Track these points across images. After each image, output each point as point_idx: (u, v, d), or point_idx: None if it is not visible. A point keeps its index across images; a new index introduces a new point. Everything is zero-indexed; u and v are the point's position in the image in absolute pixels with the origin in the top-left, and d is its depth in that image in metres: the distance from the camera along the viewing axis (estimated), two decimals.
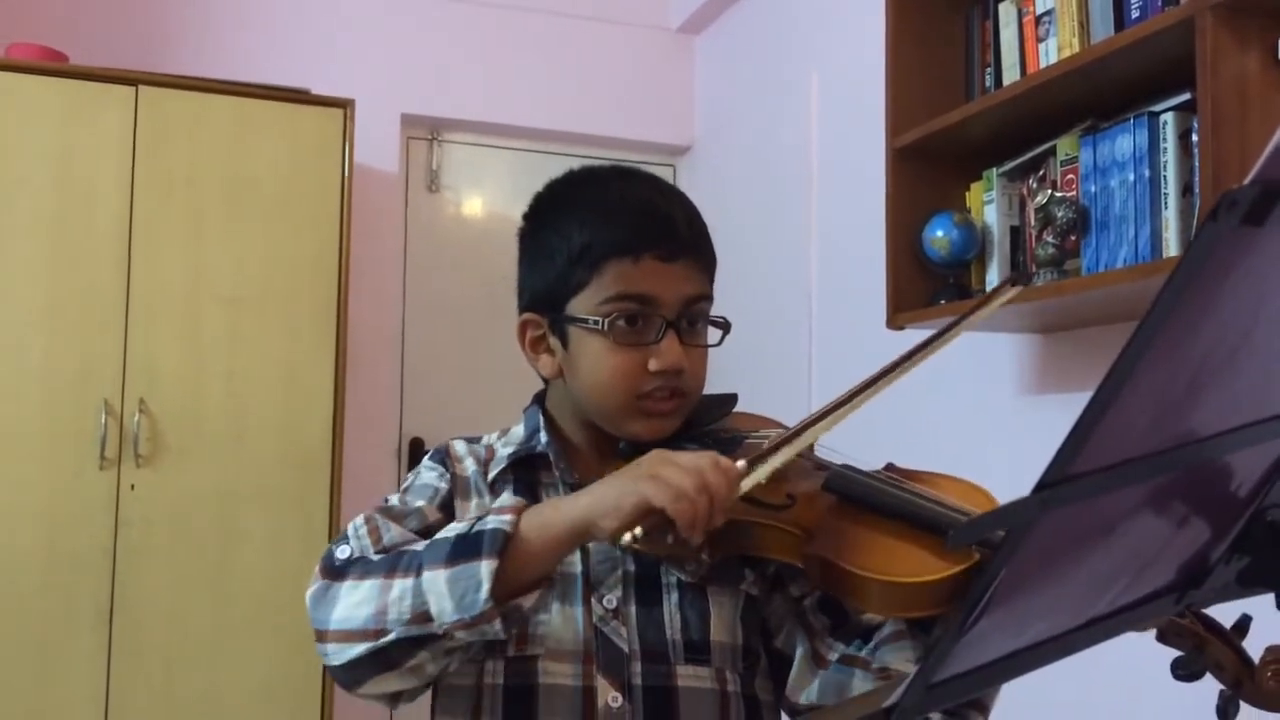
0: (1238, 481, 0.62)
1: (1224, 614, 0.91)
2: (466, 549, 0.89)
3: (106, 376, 2.77)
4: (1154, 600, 0.68)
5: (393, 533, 0.99)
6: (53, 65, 2.83)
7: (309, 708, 2.86)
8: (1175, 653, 0.90)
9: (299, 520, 2.88)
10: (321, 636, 0.94)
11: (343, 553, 0.98)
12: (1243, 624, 0.90)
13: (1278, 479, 0.64)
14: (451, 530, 0.93)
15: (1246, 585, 0.67)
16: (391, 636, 0.90)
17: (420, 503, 1.06)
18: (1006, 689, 0.92)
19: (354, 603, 0.92)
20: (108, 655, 2.73)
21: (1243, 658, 0.87)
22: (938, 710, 0.83)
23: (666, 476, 0.88)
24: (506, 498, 0.98)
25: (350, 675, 0.94)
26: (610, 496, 0.90)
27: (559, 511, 0.92)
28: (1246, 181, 0.41)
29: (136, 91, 2.83)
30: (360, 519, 1.02)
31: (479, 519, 0.93)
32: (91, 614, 2.72)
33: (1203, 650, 0.87)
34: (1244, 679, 0.86)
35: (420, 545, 0.94)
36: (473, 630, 0.89)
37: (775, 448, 0.94)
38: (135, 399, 2.78)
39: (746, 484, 0.92)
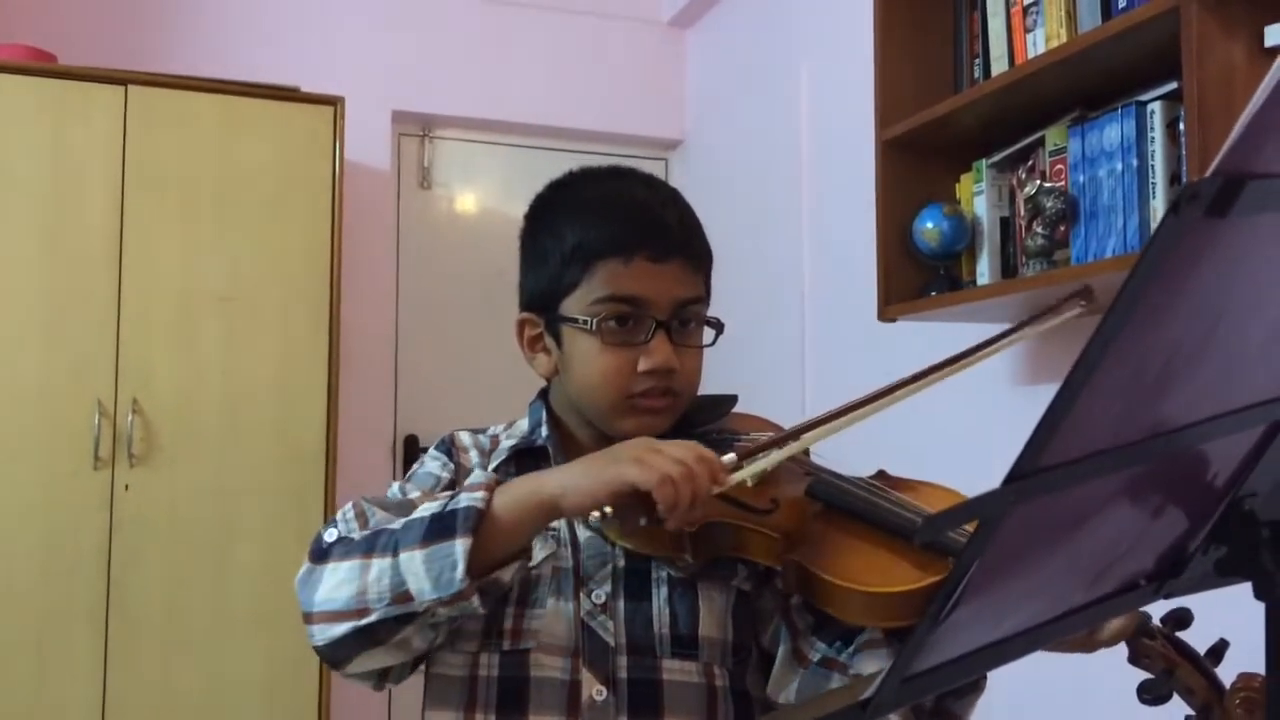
0: (1213, 471, 0.62)
1: (1202, 638, 0.90)
2: (441, 528, 0.91)
3: (99, 376, 2.76)
4: (1133, 590, 0.68)
5: (378, 518, 1.00)
6: (41, 65, 2.82)
7: (306, 705, 2.86)
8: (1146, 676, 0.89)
9: (294, 518, 2.88)
10: (308, 618, 0.96)
11: (330, 536, 1.00)
12: (1219, 648, 0.90)
13: (1254, 468, 0.64)
14: (426, 509, 0.94)
15: (1224, 575, 0.67)
16: (374, 616, 0.92)
17: (416, 494, 1.08)
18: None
19: (335, 583, 0.94)
20: (104, 655, 2.73)
21: (1213, 683, 0.87)
22: (917, 701, 0.84)
23: (651, 460, 0.88)
24: (478, 475, 0.99)
25: (336, 654, 0.96)
26: (585, 475, 0.91)
27: (530, 487, 0.93)
28: (1208, 173, 0.41)
29: (125, 91, 2.83)
30: (349, 505, 1.04)
31: (452, 497, 0.94)
32: (87, 614, 2.72)
33: (1172, 674, 0.87)
34: (1213, 705, 0.86)
35: (397, 524, 0.95)
36: (453, 607, 0.91)
37: (769, 446, 0.94)
38: (128, 399, 2.78)
39: (735, 478, 0.92)
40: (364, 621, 0.92)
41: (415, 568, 0.90)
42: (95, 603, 2.73)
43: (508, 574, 0.94)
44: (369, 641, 0.94)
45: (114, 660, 2.73)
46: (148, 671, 2.75)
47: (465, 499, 0.92)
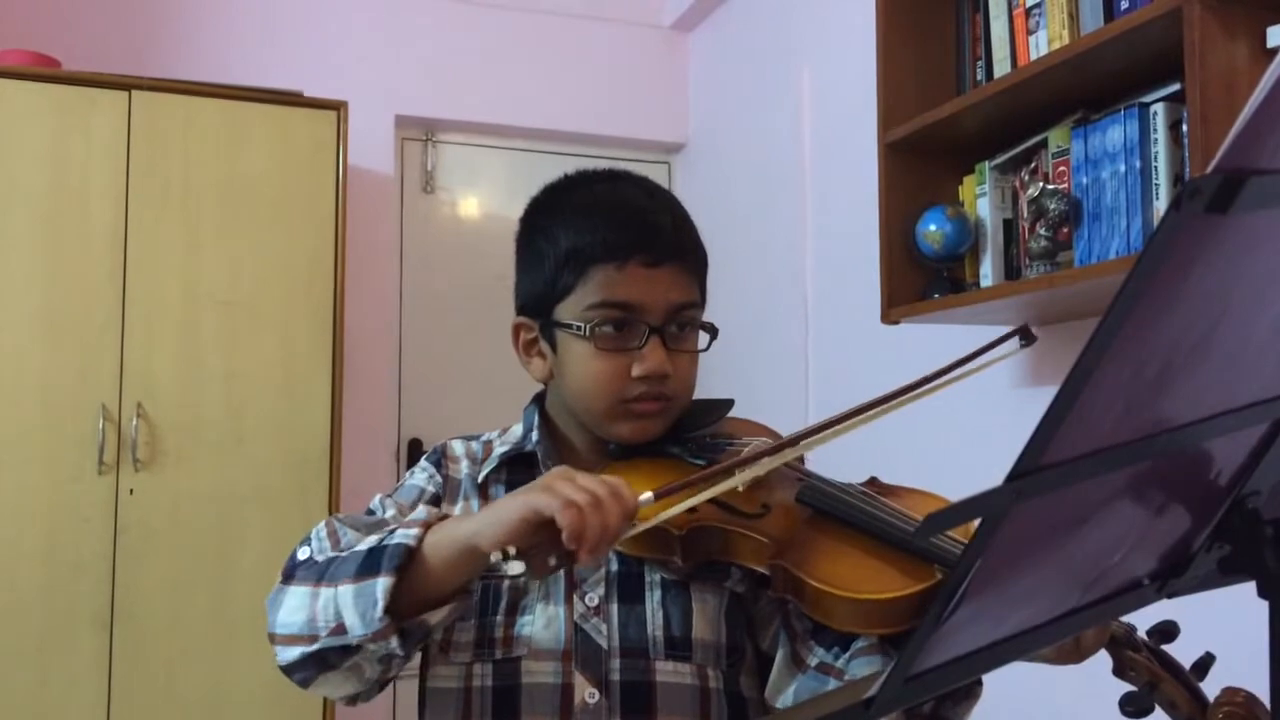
0: (1217, 469, 0.62)
1: (1191, 650, 0.90)
2: (371, 564, 0.90)
3: (104, 381, 2.77)
4: (1136, 589, 0.68)
5: (349, 538, 1.00)
6: (45, 71, 2.83)
7: (310, 710, 2.86)
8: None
9: (298, 522, 2.87)
10: (271, 638, 0.97)
11: (302, 554, 1.00)
12: (1205, 662, 0.89)
13: (1257, 466, 0.64)
14: (366, 542, 0.93)
15: (1227, 573, 0.67)
16: (318, 645, 0.92)
17: (391, 511, 1.07)
18: None
19: (293, 607, 0.95)
20: (109, 660, 2.73)
21: (1197, 698, 0.87)
22: (919, 701, 0.83)
23: (559, 488, 0.84)
24: (421, 511, 0.96)
25: (295, 675, 0.97)
26: (497, 509, 0.87)
27: (452, 527, 0.90)
28: (1209, 170, 0.41)
29: (129, 96, 2.83)
30: (323, 523, 1.03)
31: (390, 531, 0.92)
32: (92, 619, 2.72)
33: (1156, 687, 0.87)
34: (1196, 719, 0.86)
35: (347, 553, 0.94)
36: (377, 644, 0.90)
37: (696, 483, 0.90)
38: (133, 403, 2.78)
39: (654, 520, 0.88)
40: (312, 648, 0.93)
41: (348, 601, 0.90)
42: (99, 607, 2.73)
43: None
44: (322, 665, 0.94)
45: (118, 665, 2.73)
46: (152, 676, 2.75)
47: (399, 535, 0.91)
